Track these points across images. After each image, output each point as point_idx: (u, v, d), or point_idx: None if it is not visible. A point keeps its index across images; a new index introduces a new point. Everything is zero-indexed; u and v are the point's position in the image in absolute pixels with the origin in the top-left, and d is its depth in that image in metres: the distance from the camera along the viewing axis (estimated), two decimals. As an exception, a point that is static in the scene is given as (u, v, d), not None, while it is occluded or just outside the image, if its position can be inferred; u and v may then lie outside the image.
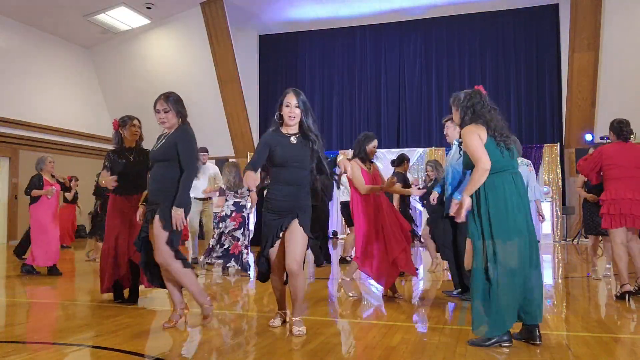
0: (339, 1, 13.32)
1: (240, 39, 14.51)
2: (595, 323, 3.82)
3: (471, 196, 3.19)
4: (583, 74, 12.07)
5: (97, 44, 14.75)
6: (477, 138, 3.18)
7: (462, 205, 3.16)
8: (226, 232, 6.68)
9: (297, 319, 3.44)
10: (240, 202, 6.80)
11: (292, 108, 3.39)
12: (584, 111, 12.22)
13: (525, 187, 3.40)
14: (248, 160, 15.44)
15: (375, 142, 4.94)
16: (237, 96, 14.13)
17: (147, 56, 14.58)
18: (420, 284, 6.01)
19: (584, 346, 3.17)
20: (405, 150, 11.96)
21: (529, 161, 5.35)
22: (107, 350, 3.12)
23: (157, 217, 3.55)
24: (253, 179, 3.29)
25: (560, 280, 6.25)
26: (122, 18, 13.43)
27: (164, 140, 3.67)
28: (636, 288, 4.81)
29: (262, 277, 3.62)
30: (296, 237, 3.37)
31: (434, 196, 4.96)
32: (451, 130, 4.72)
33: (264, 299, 4.92)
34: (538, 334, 3.15)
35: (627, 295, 4.67)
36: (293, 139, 3.40)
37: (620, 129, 4.86)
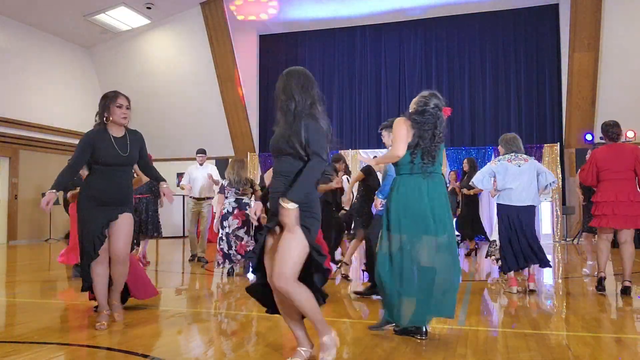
0: (339, 1, 13.32)
1: (240, 39, 14.51)
2: (595, 323, 3.82)
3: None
4: (583, 74, 12.06)
5: (97, 44, 14.75)
6: (405, 130, 3.42)
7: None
8: (230, 232, 6.35)
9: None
10: (242, 199, 6.46)
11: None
12: (584, 111, 12.21)
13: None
14: (248, 160, 15.27)
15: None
16: (237, 96, 14.13)
17: (147, 56, 14.58)
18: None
19: (584, 346, 3.17)
20: (405, 150, 11.96)
21: (527, 156, 5.33)
22: (107, 350, 3.13)
23: (129, 214, 3.75)
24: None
25: (560, 280, 6.26)
26: (122, 18, 13.43)
27: (129, 144, 3.72)
28: (622, 288, 4.94)
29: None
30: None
31: (377, 202, 4.98)
32: (386, 138, 4.83)
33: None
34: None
35: (601, 280, 5.03)
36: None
37: (607, 130, 5.07)
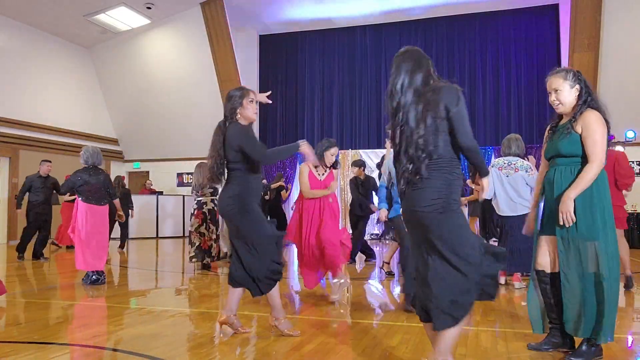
0: (339, 1, 13.32)
1: (240, 39, 14.50)
2: (595, 323, 3.82)
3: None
4: (583, 74, 12.01)
5: (97, 44, 14.75)
6: (605, 132, 2.79)
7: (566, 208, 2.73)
8: (193, 230, 7.12)
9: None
10: (201, 200, 7.17)
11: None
12: (584, 111, 12.20)
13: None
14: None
15: (333, 150, 4.82)
16: (237, 96, 14.11)
17: (147, 56, 14.58)
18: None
19: (584, 346, 3.16)
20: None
21: (530, 164, 5.26)
22: (108, 351, 3.13)
23: None
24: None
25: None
26: (122, 18, 13.43)
27: None
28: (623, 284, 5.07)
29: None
30: None
31: (383, 214, 4.76)
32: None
33: (263, 299, 4.91)
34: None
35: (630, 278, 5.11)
36: None
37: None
